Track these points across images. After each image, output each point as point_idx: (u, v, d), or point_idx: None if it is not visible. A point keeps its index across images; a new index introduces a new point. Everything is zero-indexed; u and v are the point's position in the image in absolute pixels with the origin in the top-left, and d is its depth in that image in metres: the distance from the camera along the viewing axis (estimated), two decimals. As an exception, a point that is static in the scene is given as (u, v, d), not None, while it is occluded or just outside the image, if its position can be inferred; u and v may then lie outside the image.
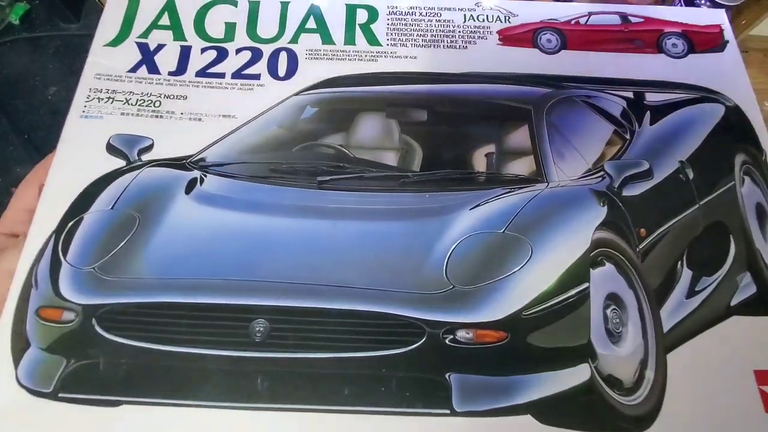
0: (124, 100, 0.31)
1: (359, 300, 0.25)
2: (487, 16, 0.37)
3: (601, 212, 0.28)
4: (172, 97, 0.32)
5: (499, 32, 0.36)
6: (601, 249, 0.27)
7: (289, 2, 0.36)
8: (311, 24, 0.36)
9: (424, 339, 0.24)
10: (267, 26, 0.35)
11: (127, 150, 0.30)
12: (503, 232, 0.27)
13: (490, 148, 0.31)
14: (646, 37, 0.36)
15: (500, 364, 0.25)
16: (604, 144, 0.32)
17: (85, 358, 0.25)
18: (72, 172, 0.29)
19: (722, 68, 0.36)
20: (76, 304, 0.25)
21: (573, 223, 0.28)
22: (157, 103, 0.31)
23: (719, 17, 0.37)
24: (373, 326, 0.25)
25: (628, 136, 0.32)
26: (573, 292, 0.26)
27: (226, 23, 0.35)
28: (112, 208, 0.28)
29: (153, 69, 0.33)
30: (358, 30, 0.36)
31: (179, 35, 0.35)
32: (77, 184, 0.28)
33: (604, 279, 0.27)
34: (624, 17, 0.37)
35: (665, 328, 0.27)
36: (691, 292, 0.29)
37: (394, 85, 0.34)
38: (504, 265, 0.26)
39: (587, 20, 0.37)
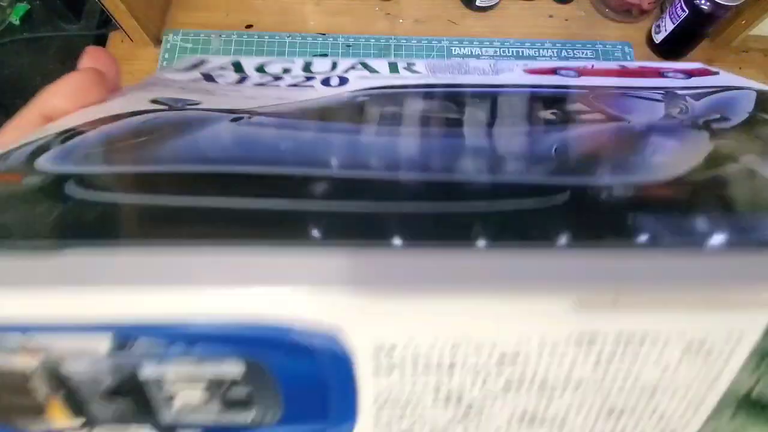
0: (181, 87, 0.29)
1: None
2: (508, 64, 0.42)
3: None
4: (228, 92, 0.31)
5: (523, 68, 0.39)
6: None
7: (337, 62, 0.39)
8: (358, 65, 0.39)
9: None
10: (319, 67, 0.37)
11: (174, 103, 0.26)
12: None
13: (551, 109, 0.30)
14: (648, 73, 0.40)
15: None
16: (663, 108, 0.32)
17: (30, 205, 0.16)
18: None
19: (727, 81, 0.39)
20: (50, 173, 0.17)
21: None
22: (212, 92, 0.30)
23: (697, 64, 0.43)
24: None
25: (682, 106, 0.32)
26: None
27: (282, 68, 0.37)
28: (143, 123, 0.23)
29: (211, 80, 0.32)
30: (401, 69, 0.39)
31: (238, 69, 0.35)
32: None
33: None
34: (621, 66, 0.40)
35: None
36: None
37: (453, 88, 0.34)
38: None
39: (592, 67, 0.42)
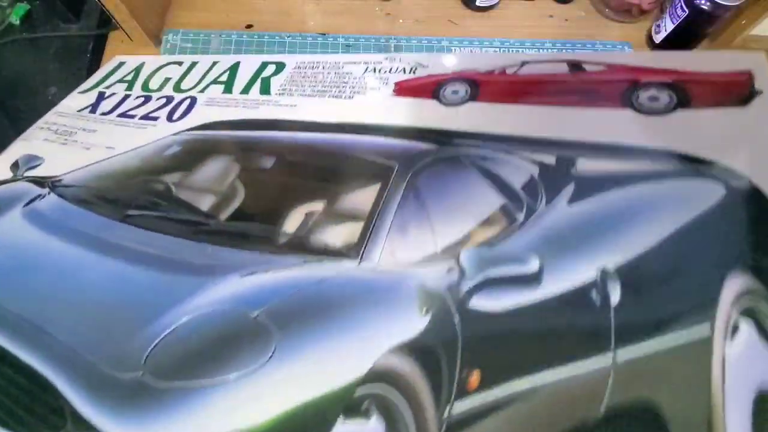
0: (54, 130, 0.36)
1: (47, 359, 0.19)
2: (391, 68, 0.32)
3: (413, 324, 0.18)
4: (86, 129, 0.36)
5: (397, 83, 0.31)
6: (379, 389, 0.17)
7: (218, 61, 0.41)
8: (224, 77, 0.39)
9: None
10: (191, 80, 0.39)
11: (21, 166, 0.32)
12: (255, 316, 0.19)
13: (318, 206, 0.25)
14: (606, 89, 0.24)
15: None
16: (477, 223, 0.22)
17: None
18: None
19: (738, 131, 0.22)
20: None
21: (359, 329, 0.18)
22: (72, 134, 0.36)
23: (754, 60, 0.22)
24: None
25: (520, 215, 0.22)
26: None
27: (165, 77, 0.41)
28: None
29: (93, 110, 0.39)
30: (258, 81, 0.37)
31: (129, 87, 0.41)
32: None
33: None
34: (575, 65, 0.25)
35: None
36: None
37: (258, 131, 0.31)
38: (226, 363, 0.18)
39: (517, 71, 0.27)
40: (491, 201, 0.23)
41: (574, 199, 0.22)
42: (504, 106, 0.26)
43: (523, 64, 0.27)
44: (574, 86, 0.25)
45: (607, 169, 0.23)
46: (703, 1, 0.50)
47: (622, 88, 0.24)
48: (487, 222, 0.22)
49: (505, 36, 0.59)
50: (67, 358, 0.18)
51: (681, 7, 0.52)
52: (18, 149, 0.35)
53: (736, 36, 0.56)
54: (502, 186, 0.23)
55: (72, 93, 0.42)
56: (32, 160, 0.32)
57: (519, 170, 0.24)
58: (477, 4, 0.60)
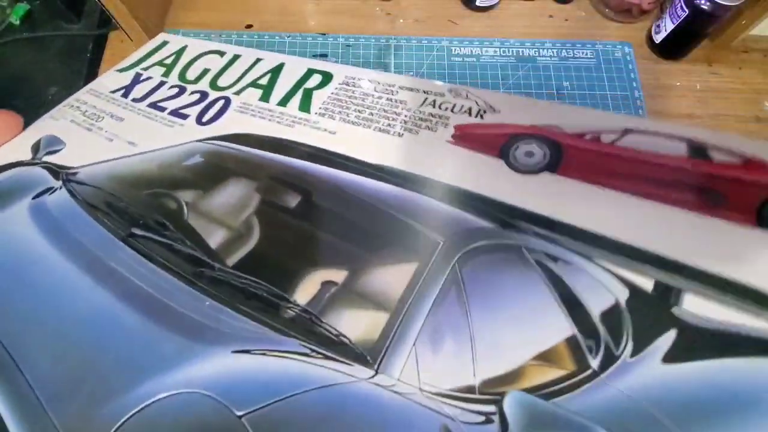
0: (83, 111, 0.34)
1: (12, 404, 0.17)
2: (454, 106, 0.26)
3: None
4: (114, 116, 0.34)
5: (457, 127, 0.24)
6: None
7: (262, 59, 0.38)
8: (264, 80, 0.36)
9: None
10: (229, 76, 0.37)
11: (42, 149, 0.31)
12: (240, 416, 0.16)
13: (338, 275, 0.20)
14: (737, 194, 0.17)
15: None
16: (534, 354, 0.17)
17: None
18: None
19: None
20: None
21: None
22: (100, 119, 0.33)
23: None
24: None
25: (593, 360, 0.16)
26: None
27: (204, 69, 0.38)
28: None
29: (126, 94, 0.36)
30: (299, 93, 0.33)
31: (167, 73, 0.38)
32: None
33: None
34: (697, 149, 0.18)
35: None
36: None
37: (290, 158, 0.27)
38: None
39: (616, 140, 0.20)
40: (556, 325, 0.17)
41: (673, 356, 0.16)
42: (591, 188, 0.20)
43: (626, 132, 0.21)
44: (693, 180, 0.18)
45: (726, 321, 0.16)
46: (703, 1, 0.50)
47: (761, 199, 0.17)
48: (547, 357, 0.17)
49: (505, 36, 0.59)
50: (30, 410, 0.17)
51: (681, 7, 0.52)
52: (44, 126, 0.33)
53: (736, 36, 0.56)
54: (573, 306, 0.17)
55: (109, 70, 0.40)
56: (54, 143, 0.31)
57: (599, 289, 0.18)
58: (477, 4, 0.60)
